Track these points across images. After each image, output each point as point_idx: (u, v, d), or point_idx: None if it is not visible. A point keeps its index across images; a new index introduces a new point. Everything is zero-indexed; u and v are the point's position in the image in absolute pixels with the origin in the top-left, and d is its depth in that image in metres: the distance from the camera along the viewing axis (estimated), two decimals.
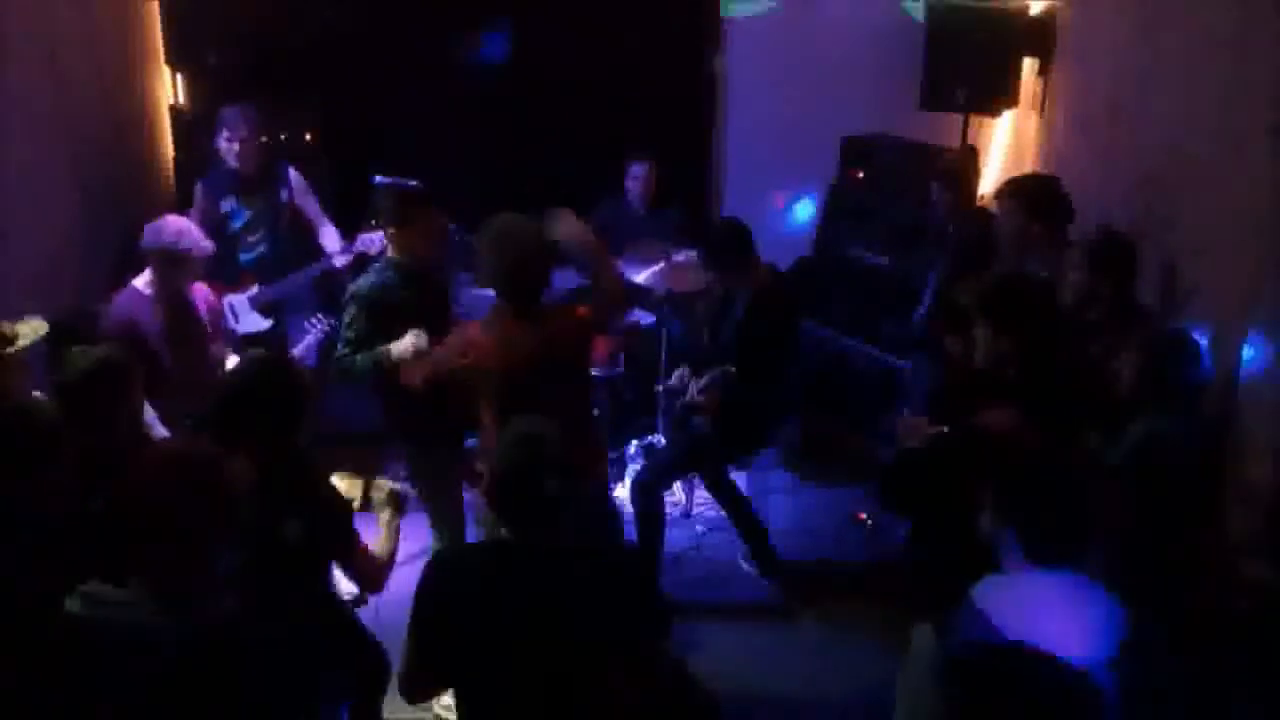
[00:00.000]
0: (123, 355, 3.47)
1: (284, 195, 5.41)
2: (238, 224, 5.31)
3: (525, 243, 3.78)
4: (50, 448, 2.87)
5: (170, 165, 6.41)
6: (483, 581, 2.61)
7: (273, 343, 5.15)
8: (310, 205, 5.50)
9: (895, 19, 6.29)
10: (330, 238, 5.45)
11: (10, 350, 3.71)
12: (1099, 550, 2.92)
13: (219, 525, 2.40)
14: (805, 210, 6.81)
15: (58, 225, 5.11)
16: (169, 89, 6.47)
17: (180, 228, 4.44)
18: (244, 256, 5.35)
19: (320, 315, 4.92)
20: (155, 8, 6.25)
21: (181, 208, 6.27)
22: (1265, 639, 2.68)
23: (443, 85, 6.67)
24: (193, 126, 6.23)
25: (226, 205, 5.30)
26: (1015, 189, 4.51)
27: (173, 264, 4.41)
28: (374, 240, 5.15)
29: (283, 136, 6.11)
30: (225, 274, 5.15)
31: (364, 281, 4.18)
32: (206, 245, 4.51)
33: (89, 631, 2.27)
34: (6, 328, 3.74)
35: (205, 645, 2.27)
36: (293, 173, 5.47)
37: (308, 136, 6.23)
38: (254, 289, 5.29)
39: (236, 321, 5.25)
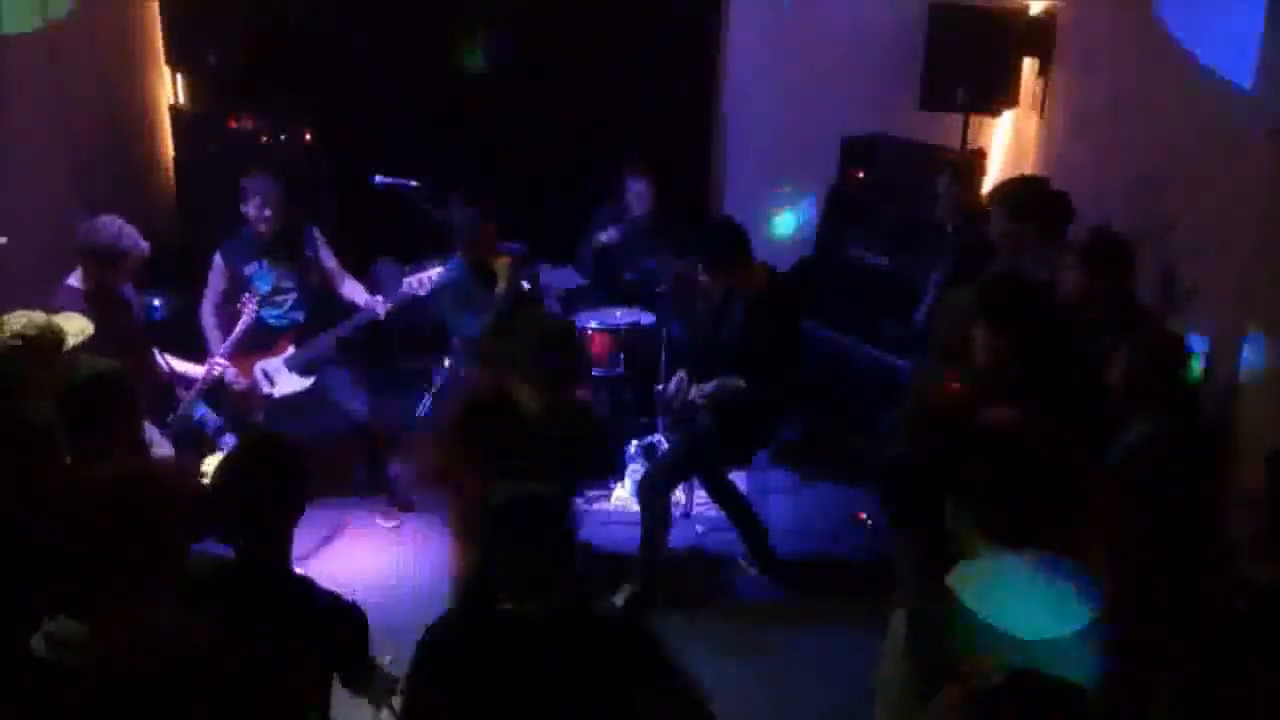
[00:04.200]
0: (124, 369, 3.43)
1: (309, 252, 5.31)
2: (265, 287, 5.19)
3: None
4: (46, 450, 2.86)
5: (170, 165, 6.41)
6: (478, 663, 2.46)
7: (313, 401, 5.22)
8: (329, 260, 5.40)
9: (895, 19, 6.29)
10: (355, 290, 5.36)
11: (61, 349, 3.71)
12: (1098, 548, 2.93)
13: (171, 551, 2.25)
14: (787, 225, 6.81)
15: (58, 224, 5.11)
16: (169, 89, 6.48)
17: (118, 227, 4.46)
18: (272, 314, 5.22)
19: (249, 296, 5.02)
20: (155, 8, 6.26)
21: (181, 208, 6.32)
22: (1265, 639, 2.68)
23: (443, 86, 6.67)
24: (193, 126, 6.24)
25: (250, 269, 5.18)
26: (1002, 194, 4.52)
27: (110, 262, 4.43)
28: (420, 283, 5.12)
29: (282, 136, 6.12)
30: (253, 340, 5.10)
31: None
32: (144, 245, 4.54)
33: (51, 677, 2.12)
34: (57, 326, 3.73)
35: (171, 686, 2.13)
36: (314, 229, 5.38)
37: (308, 136, 6.23)
38: (289, 350, 5.21)
39: (272, 385, 5.17)
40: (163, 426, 4.43)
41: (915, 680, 2.46)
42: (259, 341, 5.15)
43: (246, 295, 5.04)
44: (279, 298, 5.24)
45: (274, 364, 5.19)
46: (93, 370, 3.36)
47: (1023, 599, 2.31)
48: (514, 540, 2.48)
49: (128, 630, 2.17)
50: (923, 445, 3.60)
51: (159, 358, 4.70)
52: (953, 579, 2.41)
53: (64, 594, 2.22)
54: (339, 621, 2.70)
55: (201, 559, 2.60)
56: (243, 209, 5.14)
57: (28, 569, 2.46)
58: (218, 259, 5.20)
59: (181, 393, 4.82)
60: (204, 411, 4.89)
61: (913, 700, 2.42)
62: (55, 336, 3.70)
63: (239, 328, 4.99)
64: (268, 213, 5.11)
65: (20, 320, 3.61)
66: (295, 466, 2.77)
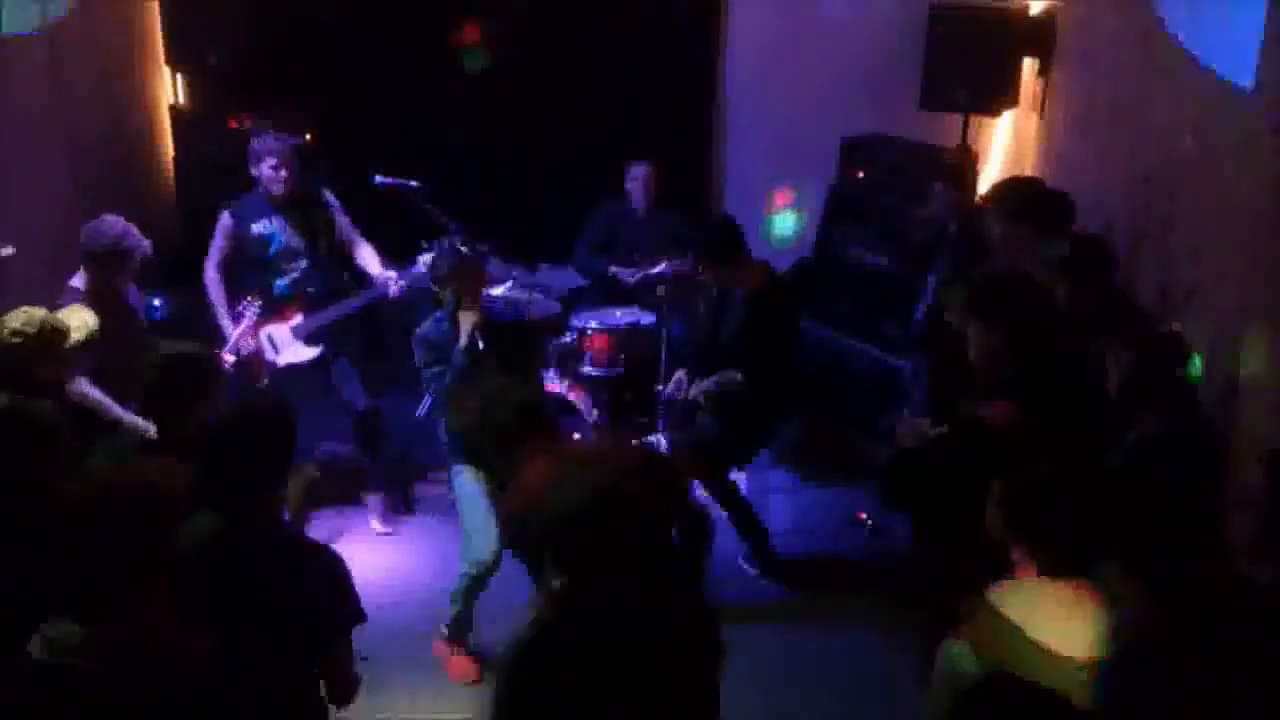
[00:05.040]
0: (205, 353, 3.44)
1: (323, 214, 5.13)
2: (275, 247, 5.01)
3: None
4: (49, 446, 2.86)
5: (170, 165, 6.42)
6: (568, 664, 2.40)
7: (317, 381, 5.12)
8: (345, 225, 5.22)
9: (895, 19, 6.30)
10: (369, 258, 5.18)
11: (64, 344, 3.71)
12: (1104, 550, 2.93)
13: (171, 560, 2.24)
14: (786, 225, 6.81)
15: (58, 224, 5.11)
16: (169, 89, 6.48)
17: (122, 228, 4.41)
18: (280, 282, 5.05)
19: (251, 299, 4.93)
20: (155, 8, 6.26)
21: (181, 207, 6.32)
22: (1265, 639, 2.68)
23: (442, 86, 6.67)
24: (193, 126, 6.24)
25: (260, 227, 4.99)
26: (996, 196, 4.53)
27: (113, 263, 4.39)
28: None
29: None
30: (262, 305, 4.96)
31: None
32: (146, 244, 4.48)
33: (52, 681, 2.12)
34: (59, 321, 3.74)
35: (171, 696, 2.13)
36: (328, 193, 5.20)
37: (308, 136, 6.23)
38: (298, 318, 5.05)
39: (276, 353, 5.02)
40: None
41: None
42: (266, 307, 5.01)
43: (248, 300, 4.96)
44: (288, 264, 5.05)
45: (281, 331, 5.04)
46: (174, 352, 3.38)
47: (1065, 621, 2.35)
48: (583, 523, 2.42)
49: (126, 637, 2.16)
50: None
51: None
52: (998, 597, 2.45)
53: (64, 597, 2.22)
54: (325, 570, 2.73)
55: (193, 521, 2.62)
56: (253, 171, 4.97)
57: (29, 571, 2.46)
58: (225, 217, 5.01)
59: None
60: None
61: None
62: (57, 332, 3.70)
63: (239, 328, 4.88)
64: (283, 173, 4.92)
65: (20, 317, 3.62)
66: (277, 426, 2.81)
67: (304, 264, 5.08)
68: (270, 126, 6.09)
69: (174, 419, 3.25)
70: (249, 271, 5.05)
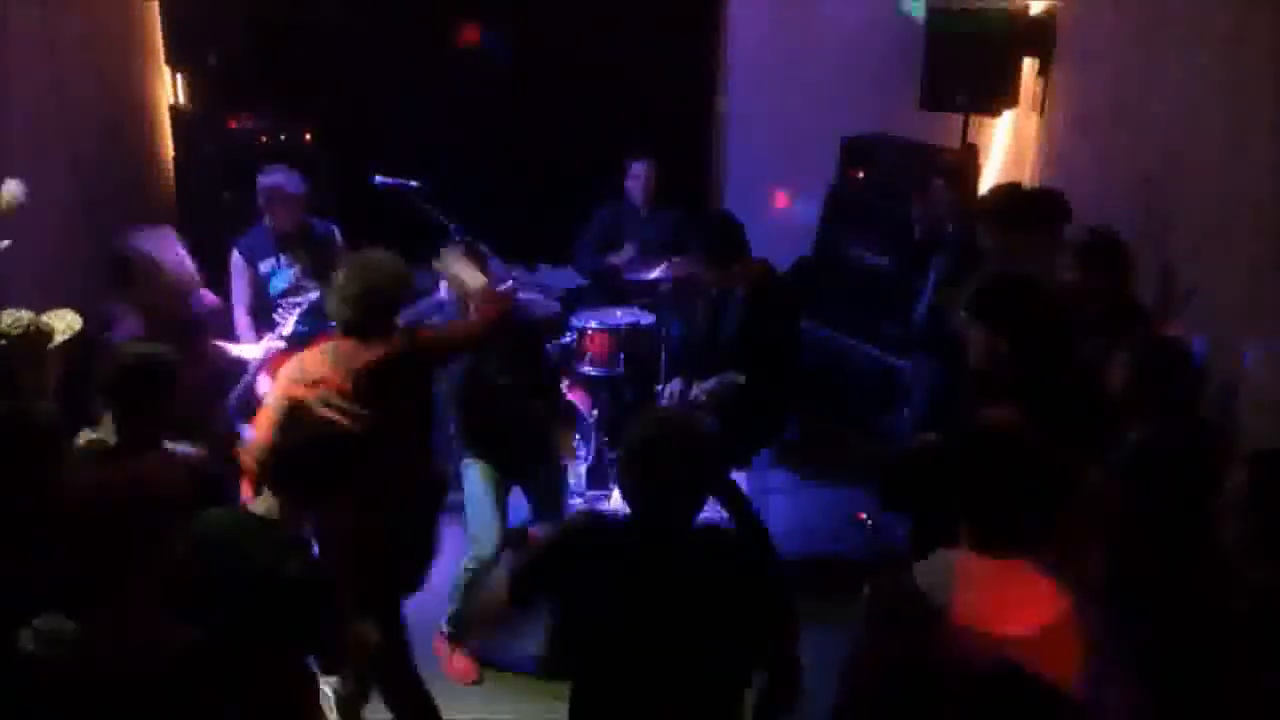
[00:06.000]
0: (172, 355, 3.43)
1: (331, 250, 5.08)
2: (281, 285, 5.02)
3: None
4: (48, 449, 2.86)
5: (170, 165, 6.41)
6: (606, 553, 2.66)
7: None
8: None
9: (895, 19, 6.30)
10: None
11: (49, 346, 3.70)
12: (1099, 549, 2.93)
13: (159, 555, 2.25)
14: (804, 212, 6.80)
15: (57, 225, 5.12)
16: (169, 89, 6.48)
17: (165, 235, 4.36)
18: (294, 324, 4.96)
19: (289, 300, 4.92)
20: (155, 8, 6.25)
21: (181, 208, 6.31)
22: (1264, 639, 2.68)
23: (443, 85, 6.68)
24: (193, 126, 6.24)
25: (266, 266, 5.02)
26: (986, 207, 4.52)
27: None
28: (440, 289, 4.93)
29: (282, 136, 6.12)
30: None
31: None
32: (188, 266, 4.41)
33: (41, 674, 2.14)
34: (43, 323, 3.73)
35: (153, 688, 2.15)
36: (334, 228, 5.21)
37: (307, 136, 6.23)
38: None
39: None
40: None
41: (874, 655, 2.54)
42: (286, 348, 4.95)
43: (287, 300, 4.92)
44: (298, 298, 5.05)
45: None
46: (142, 353, 3.37)
47: (984, 595, 2.35)
48: (642, 452, 2.62)
49: (113, 631, 2.17)
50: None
51: (218, 346, 4.64)
52: (919, 567, 2.47)
53: (57, 591, 2.24)
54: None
55: (217, 513, 2.73)
56: (260, 204, 4.98)
57: (26, 570, 2.47)
58: (237, 258, 5.02)
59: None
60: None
61: (867, 674, 2.51)
62: (41, 334, 3.68)
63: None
64: (284, 210, 4.94)
65: (5, 319, 3.60)
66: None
67: (312, 299, 5.05)
68: (270, 126, 6.12)
69: (134, 420, 3.24)
70: (260, 307, 5.02)
